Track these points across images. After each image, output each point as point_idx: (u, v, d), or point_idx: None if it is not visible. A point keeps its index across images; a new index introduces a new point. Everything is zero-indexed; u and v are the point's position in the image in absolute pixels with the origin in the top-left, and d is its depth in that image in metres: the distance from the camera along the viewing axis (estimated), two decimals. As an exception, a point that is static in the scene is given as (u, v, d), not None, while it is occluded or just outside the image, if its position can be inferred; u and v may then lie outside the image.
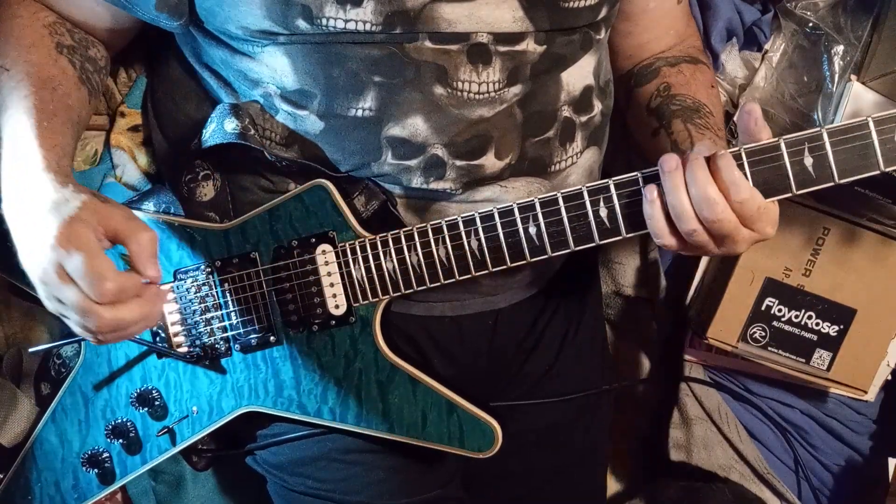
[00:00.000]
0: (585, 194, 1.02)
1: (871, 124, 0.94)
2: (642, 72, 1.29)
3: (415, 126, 1.08)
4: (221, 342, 1.15)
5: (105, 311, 0.93)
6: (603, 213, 1.03)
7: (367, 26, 1.03)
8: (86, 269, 0.90)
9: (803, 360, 1.52)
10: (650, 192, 0.98)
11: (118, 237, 0.96)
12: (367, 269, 1.10)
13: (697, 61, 1.29)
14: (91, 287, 0.91)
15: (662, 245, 1.01)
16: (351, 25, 1.03)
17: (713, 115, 1.19)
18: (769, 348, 1.52)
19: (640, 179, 1.00)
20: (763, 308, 1.50)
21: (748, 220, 0.97)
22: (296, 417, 1.17)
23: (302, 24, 1.03)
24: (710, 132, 1.15)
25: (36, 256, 0.94)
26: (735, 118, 0.96)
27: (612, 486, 1.76)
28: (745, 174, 0.96)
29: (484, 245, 1.06)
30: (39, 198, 0.96)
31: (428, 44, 1.05)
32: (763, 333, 1.51)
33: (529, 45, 1.08)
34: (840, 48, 1.44)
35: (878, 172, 0.96)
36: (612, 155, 1.31)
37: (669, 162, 0.97)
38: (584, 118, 1.16)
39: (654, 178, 0.99)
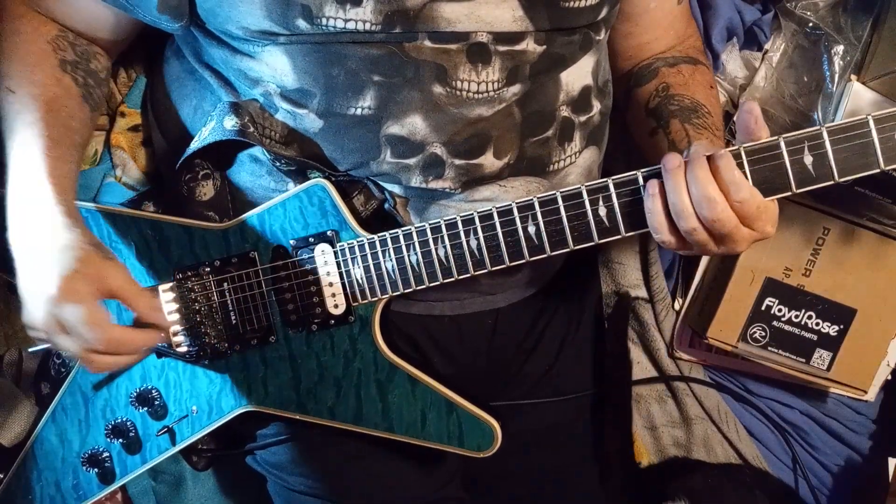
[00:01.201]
0: (584, 193, 1.02)
1: (871, 122, 0.94)
2: (641, 72, 1.29)
3: (414, 125, 1.08)
4: (221, 342, 1.15)
5: (100, 359, 1.00)
6: (602, 212, 1.02)
7: (367, 26, 1.03)
8: (82, 322, 0.96)
9: (803, 360, 1.52)
10: (652, 187, 0.98)
11: (115, 298, 1.01)
12: (366, 269, 1.10)
13: (697, 62, 1.29)
14: (87, 339, 0.97)
15: (661, 242, 1.01)
16: (351, 25, 1.03)
17: (711, 115, 1.19)
18: (769, 348, 1.51)
19: (640, 178, 1.00)
20: (763, 308, 1.50)
21: (748, 219, 0.97)
22: (295, 417, 1.17)
23: (302, 23, 1.03)
24: (708, 132, 1.15)
25: (36, 303, 0.99)
26: (735, 118, 0.96)
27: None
28: (744, 173, 0.96)
29: (483, 244, 1.06)
30: (45, 240, 1.00)
31: (427, 43, 1.05)
32: (763, 333, 1.51)
33: (529, 45, 1.08)
34: (840, 48, 1.44)
35: (878, 171, 0.96)
36: (612, 154, 1.31)
37: (672, 160, 0.97)
38: (582, 118, 1.16)
39: (654, 177, 0.99)
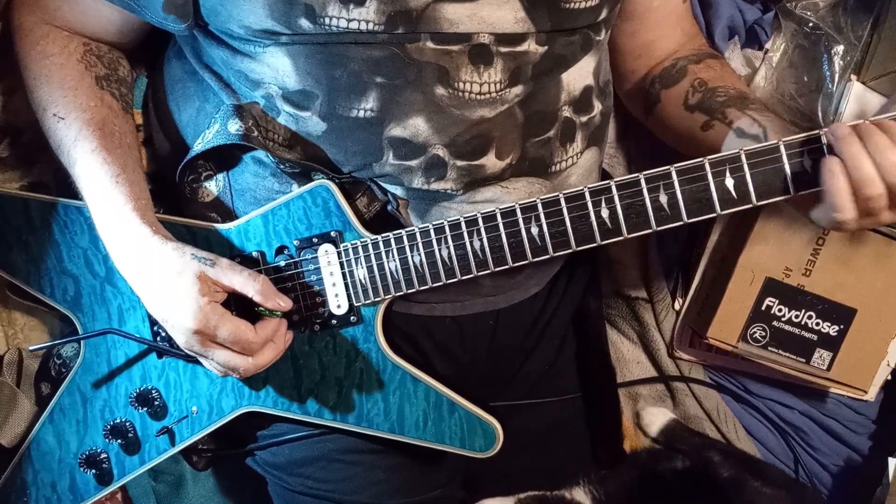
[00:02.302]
0: (587, 195, 1.02)
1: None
2: (666, 73, 1.28)
3: (416, 126, 1.08)
4: (222, 342, 1.15)
5: (252, 361, 1.06)
6: (604, 213, 1.03)
7: (370, 26, 1.03)
8: (233, 338, 1.03)
9: (803, 360, 1.52)
10: (834, 165, 0.96)
11: (235, 293, 1.07)
12: (370, 269, 1.10)
13: (718, 56, 1.29)
14: (243, 349, 1.05)
15: (841, 223, 0.98)
16: (353, 25, 1.02)
17: (761, 102, 1.18)
18: (769, 348, 1.51)
19: (642, 181, 1.00)
20: (763, 308, 1.50)
21: None
22: (296, 417, 1.17)
23: (304, 23, 1.02)
24: (773, 114, 1.14)
25: (183, 337, 1.06)
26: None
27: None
28: (744, 176, 0.97)
29: (486, 245, 1.06)
30: (154, 272, 1.06)
31: (430, 44, 1.05)
32: (763, 333, 1.51)
33: (531, 46, 1.08)
34: (840, 48, 1.44)
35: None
36: (613, 155, 1.31)
37: (842, 129, 0.96)
38: (584, 118, 1.17)
39: (656, 179, 1.00)
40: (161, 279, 1.05)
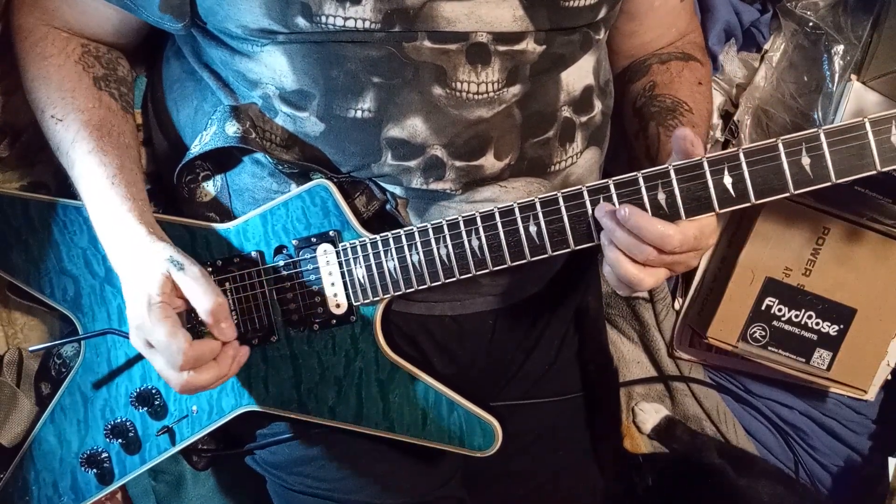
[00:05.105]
0: (586, 194, 1.02)
1: (868, 125, 0.94)
2: (635, 67, 1.30)
3: (414, 127, 1.08)
4: (222, 342, 1.15)
5: (183, 377, 1.02)
6: (603, 212, 1.03)
7: (366, 24, 1.03)
8: (161, 345, 1.00)
9: (803, 360, 1.52)
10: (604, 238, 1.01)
11: (187, 303, 1.04)
12: (368, 269, 1.10)
13: (689, 58, 1.29)
14: (170, 359, 1.01)
15: (636, 282, 1.01)
16: (350, 23, 1.02)
17: (692, 112, 1.19)
18: (769, 348, 1.52)
19: (641, 179, 1.00)
20: (763, 308, 1.50)
21: (691, 249, 0.99)
22: (296, 416, 1.17)
23: (301, 21, 1.02)
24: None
25: (130, 330, 1.05)
26: (675, 138, 0.98)
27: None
28: (742, 174, 0.97)
29: (484, 244, 1.06)
30: (139, 265, 1.05)
31: (427, 43, 1.05)
32: (763, 333, 1.51)
33: (529, 45, 1.08)
34: (840, 48, 1.44)
35: (874, 172, 0.96)
36: (613, 154, 1.31)
37: (597, 210, 1.01)
38: (583, 118, 1.16)
39: (654, 177, 1.00)
40: (135, 274, 1.05)
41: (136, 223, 1.07)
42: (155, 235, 1.07)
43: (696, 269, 1.57)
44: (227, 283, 1.14)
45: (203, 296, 1.02)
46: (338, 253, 1.11)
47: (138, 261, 1.05)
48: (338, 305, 1.12)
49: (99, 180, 1.09)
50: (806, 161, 0.96)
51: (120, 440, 1.20)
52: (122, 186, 1.09)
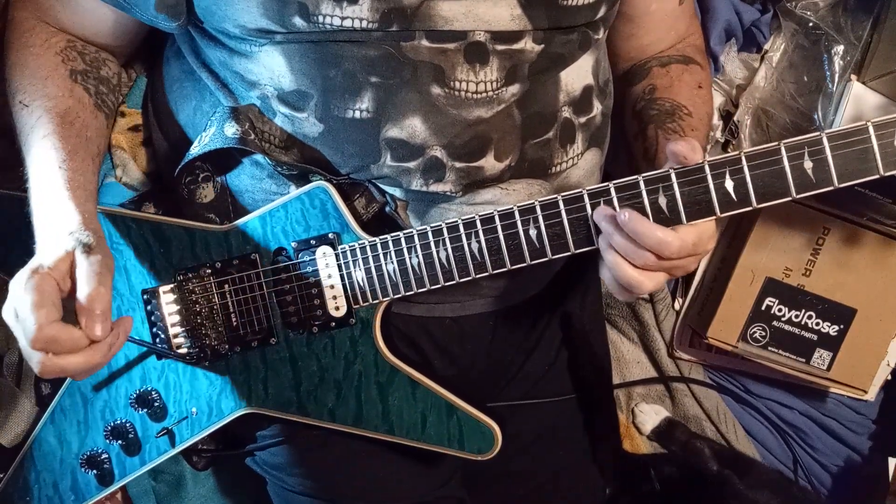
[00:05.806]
0: (586, 197, 1.02)
1: (871, 129, 0.94)
2: (636, 70, 1.29)
3: (413, 127, 1.07)
4: (221, 343, 1.15)
5: (38, 357, 0.93)
6: (604, 215, 1.02)
7: (364, 24, 1.02)
8: (24, 315, 0.92)
9: (803, 360, 1.52)
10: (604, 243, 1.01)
11: (73, 288, 0.96)
12: (368, 271, 1.10)
13: (690, 61, 1.28)
14: (25, 332, 0.93)
15: (636, 285, 1.01)
16: (347, 23, 1.02)
17: (691, 116, 1.19)
18: (769, 348, 1.52)
19: (642, 182, 1.00)
20: (763, 308, 1.50)
21: (690, 255, 1.00)
22: (295, 419, 1.17)
23: (298, 21, 1.02)
24: (678, 134, 1.16)
25: (7, 297, 0.96)
26: (669, 153, 0.99)
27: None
28: (744, 178, 0.96)
29: (484, 247, 1.06)
30: (45, 240, 1.00)
31: (425, 42, 1.05)
32: (763, 333, 1.51)
33: (527, 44, 1.08)
34: (840, 48, 1.44)
35: (877, 176, 0.96)
36: (614, 156, 1.31)
37: (596, 214, 1.01)
38: (583, 119, 1.16)
39: (655, 181, 0.99)
40: (43, 246, 1.00)
41: (74, 210, 1.01)
42: (87, 225, 1.00)
43: (696, 269, 1.57)
44: (226, 285, 1.14)
45: (87, 280, 0.94)
46: (337, 255, 1.11)
47: (54, 236, 0.99)
48: (337, 308, 1.12)
49: (47, 163, 1.05)
50: (808, 165, 0.96)
51: (120, 441, 1.20)
52: (69, 172, 1.05)
